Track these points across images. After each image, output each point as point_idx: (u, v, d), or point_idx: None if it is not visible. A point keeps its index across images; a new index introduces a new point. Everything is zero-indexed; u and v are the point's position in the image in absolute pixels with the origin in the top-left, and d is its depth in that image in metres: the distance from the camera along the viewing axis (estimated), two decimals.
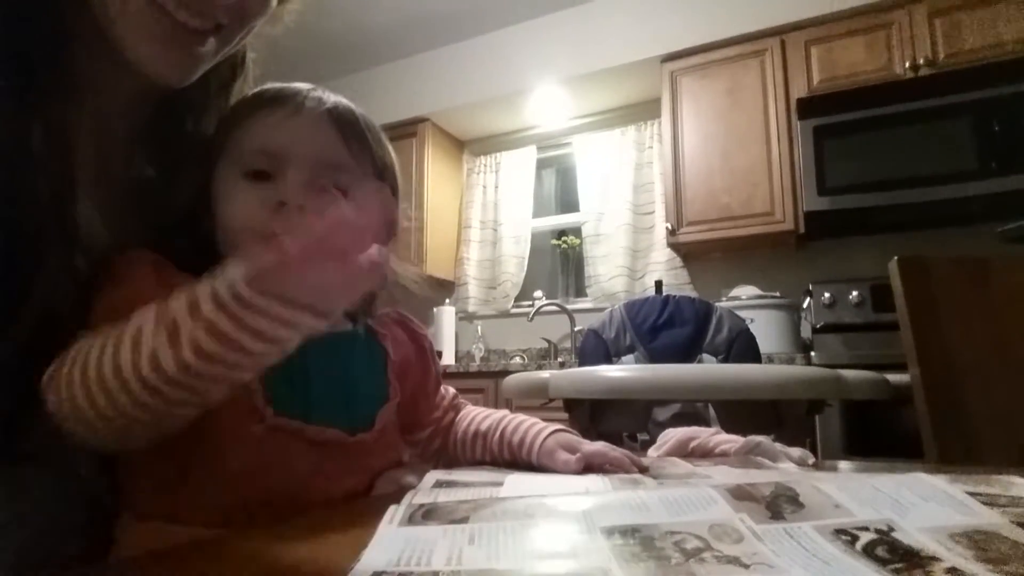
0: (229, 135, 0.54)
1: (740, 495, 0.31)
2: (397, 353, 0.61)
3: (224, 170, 0.53)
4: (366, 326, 0.60)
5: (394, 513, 0.35)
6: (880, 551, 0.25)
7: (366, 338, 0.59)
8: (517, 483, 0.49)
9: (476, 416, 0.65)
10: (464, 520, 0.32)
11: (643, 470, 0.52)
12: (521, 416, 0.62)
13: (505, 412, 0.63)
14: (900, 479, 0.33)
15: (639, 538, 0.27)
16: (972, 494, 0.32)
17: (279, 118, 0.53)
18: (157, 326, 0.36)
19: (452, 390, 0.68)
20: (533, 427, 0.59)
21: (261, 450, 0.47)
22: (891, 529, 0.27)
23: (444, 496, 0.41)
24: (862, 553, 0.25)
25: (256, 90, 0.57)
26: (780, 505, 0.30)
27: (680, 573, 0.24)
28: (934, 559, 0.24)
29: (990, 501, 0.32)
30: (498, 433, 0.61)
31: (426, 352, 0.65)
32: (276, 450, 0.48)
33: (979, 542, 0.26)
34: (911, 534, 0.27)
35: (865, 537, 0.26)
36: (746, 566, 0.24)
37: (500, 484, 0.48)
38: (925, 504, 0.30)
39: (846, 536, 0.27)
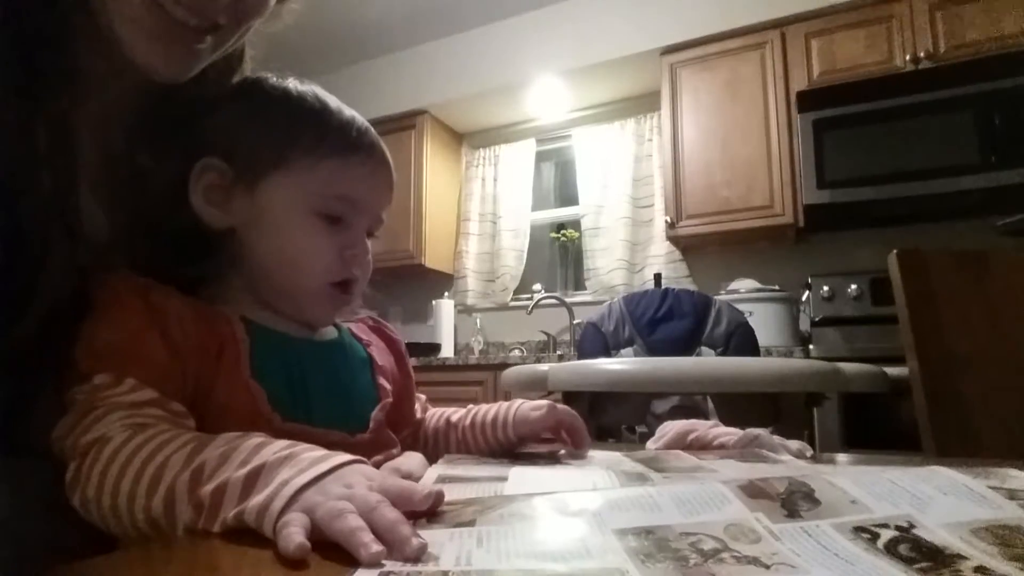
0: (300, 157, 0.52)
1: (753, 492, 0.31)
2: (381, 358, 0.63)
3: (287, 193, 0.52)
4: (349, 332, 0.62)
5: None
6: (903, 549, 0.25)
7: (349, 344, 0.61)
8: (521, 477, 0.48)
9: (444, 412, 0.67)
10: (471, 524, 0.31)
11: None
12: (488, 404, 0.65)
13: (471, 405, 0.66)
14: (916, 472, 0.33)
15: (653, 540, 0.27)
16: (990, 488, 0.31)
17: (368, 169, 0.55)
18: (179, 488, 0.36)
19: (423, 396, 0.71)
20: (503, 405, 0.62)
21: None
22: (912, 526, 0.27)
23: (447, 493, 0.41)
24: (884, 552, 0.24)
25: (332, 113, 0.55)
26: (796, 502, 0.29)
27: (700, 574, 0.23)
28: (960, 557, 0.24)
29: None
30: (469, 419, 0.63)
31: (403, 356, 0.67)
32: None
33: (1003, 537, 0.25)
34: (933, 530, 0.26)
35: (886, 535, 0.26)
36: (767, 566, 0.23)
37: (504, 479, 0.47)
38: (944, 498, 0.29)
39: (866, 534, 0.26)
